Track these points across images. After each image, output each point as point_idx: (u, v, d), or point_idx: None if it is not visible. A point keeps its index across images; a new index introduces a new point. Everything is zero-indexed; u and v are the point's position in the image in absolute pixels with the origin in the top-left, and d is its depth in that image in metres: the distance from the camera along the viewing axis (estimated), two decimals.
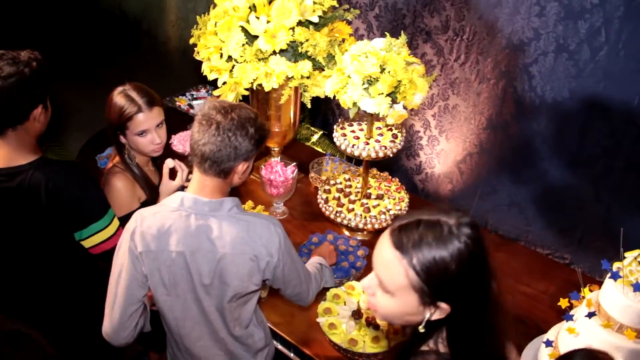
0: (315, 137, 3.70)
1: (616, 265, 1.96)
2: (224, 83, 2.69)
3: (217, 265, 1.90)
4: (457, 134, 3.15)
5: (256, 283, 1.97)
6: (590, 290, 2.12)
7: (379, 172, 3.07)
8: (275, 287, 2.13)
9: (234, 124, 1.83)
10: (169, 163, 2.49)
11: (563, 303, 2.12)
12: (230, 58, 2.63)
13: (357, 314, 2.41)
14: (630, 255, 1.93)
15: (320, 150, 3.60)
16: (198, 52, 2.71)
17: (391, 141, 2.68)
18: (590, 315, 2.00)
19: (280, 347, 2.51)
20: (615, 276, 1.94)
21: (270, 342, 2.29)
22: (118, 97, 2.35)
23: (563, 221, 2.92)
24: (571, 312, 2.09)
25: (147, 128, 2.38)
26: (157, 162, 2.64)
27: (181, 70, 3.89)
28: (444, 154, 3.26)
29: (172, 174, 2.52)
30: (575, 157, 2.75)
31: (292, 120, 3.02)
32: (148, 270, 1.91)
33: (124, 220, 2.15)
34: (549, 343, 2.15)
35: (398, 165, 3.47)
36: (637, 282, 1.90)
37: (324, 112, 3.86)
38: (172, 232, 1.87)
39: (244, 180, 2.08)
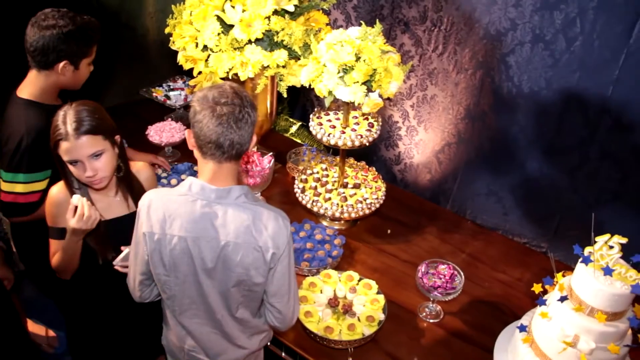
0: (294, 129, 3.70)
1: (587, 250, 1.98)
2: (200, 73, 2.67)
3: (221, 252, 1.88)
4: (435, 124, 3.16)
5: (262, 274, 1.92)
6: (564, 276, 2.14)
7: (356, 162, 3.07)
8: (274, 309, 2.05)
9: (249, 102, 1.82)
10: (74, 200, 2.06)
11: (537, 288, 2.13)
12: (205, 47, 2.61)
13: (333, 302, 2.41)
14: (600, 239, 1.94)
15: (299, 141, 3.60)
16: (174, 42, 2.69)
17: (367, 130, 2.68)
18: (563, 299, 2.01)
19: None
20: (586, 260, 1.96)
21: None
22: (57, 115, 2.05)
23: (540, 210, 2.95)
24: (544, 297, 2.11)
25: (74, 158, 2.04)
26: (133, 192, 2.29)
27: (159, 62, 3.86)
28: (422, 144, 3.26)
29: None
30: (552, 147, 2.77)
31: (268, 110, 3.01)
32: (149, 250, 1.91)
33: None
34: (522, 328, 2.16)
35: (377, 156, 3.47)
36: (608, 266, 1.92)
37: (302, 104, 3.86)
38: (177, 217, 1.86)
39: None
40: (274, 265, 1.91)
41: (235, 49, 2.59)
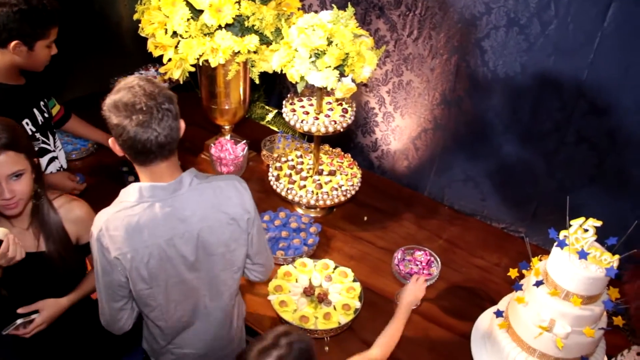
0: (270, 116, 3.65)
1: (563, 234, 1.96)
2: (170, 60, 2.61)
3: (198, 241, 1.84)
4: (411, 110, 3.14)
5: (243, 244, 1.93)
6: (540, 260, 2.13)
7: (331, 149, 3.04)
8: (258, 268, 2.07)
9: (165, 97, 1.70)
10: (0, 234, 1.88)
11: (513, 273, 2.12)
12: (175, 34, 2.56)
13: (308, 291, 2.38)
14: (575, 223, 1.93)
15: (275, 129, 3.55)
16: (142, 29, 2.63)
17: (341, 116, 2.64)
18: (538, 284, 2.00)
19: None
20: (561, 244, 1.95)
21: None
22: None
23: (517, 195, 2.94)
24: (520, 282, 2.10)
25: None
26: (46, 228, 2.06)
27: (134, 50, 3.79)
28: (399, 131, 3.24)
29: None
30: (528, 131, 2.76)
31: (241, 97, 2.96)
32: (128, 271, 1.81)
33: None
34: (499, 313, 2.15)
35: (354, 143, 3.44)
36: (583, 249, 1.91)
37: (279, 91, 3.81)
38: (141, 228, 1.77)
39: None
40: (251, 229, 1.92)
41: (205, 34, 2.54)
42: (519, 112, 2.75)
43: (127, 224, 1.76)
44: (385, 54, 3.09)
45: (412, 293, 2.22)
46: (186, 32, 2.52)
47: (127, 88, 1.67)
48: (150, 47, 2.64)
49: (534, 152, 2.78)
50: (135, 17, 2.67)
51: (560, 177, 2.75)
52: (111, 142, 1.75)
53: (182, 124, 1.81)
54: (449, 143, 3.07)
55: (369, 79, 3.16)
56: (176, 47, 2.57)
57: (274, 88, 3.81)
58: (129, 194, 1.79)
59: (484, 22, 2.66)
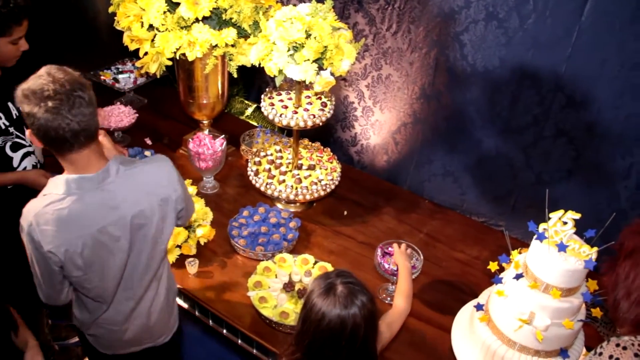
0: (249, 111, 3.62)
1: (542, 227, 1.97)
2: (146, 53, 2.57)
3: (131, 226, 1.85)
4: (391, 105, 3.13)
5: (172, 222, 1.98)
6: (520, 253, 2.14)
7: (310, 143, 3.01)
8: (182, 216, 2.07)
9: (75, 84, 1.68)
10: None
11: (492, 266, 2.12)
12: (151, 27, 2.51)
13: (288, 286, 2.36)
14: (554, 215, 1.94)
15: (255, 123, 3.52)
16: (118, 22, 2.58)
17: (320, 109, 2.62)
18: (518, 277, 2.01)
19: (212, 323, 2.45)
20: (540, 237, 1.95)
21: None
22: None
23: (497, 189, 2.95)
24: (500, 275, 2.10)
25: None
26: None
27: (111, 45, 3.73)
28: (378, 125, 3.23)
29: None
30: (507, 125, 2.77)
31: (220, 92, 2.92)
32: (62, 262, 1.80)
33: None
34: (479, 307, 2.15)
35: (334, 137, 3.43)
36: (562, 242, 1.91)
37: (258, 85, 3.77)
38: (73, 221, 1.76)
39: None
40: (183, 203, 1.97)
41: (182, 28, 2.51)
42: (498, 106, 2.75)
43: (57, 217, 1.75)
44: (364, 48, 3.07)
45: (402, 258, 2.31)
46: (162, 25, 2.48)
47: (36, 76, 1.68)
48: (126, 40, 2.60)
49: (513, 145, 2.79)
50: (111, 9, 2.62)
51: (539, 170, 2.77)
52: (28, 133, 1.74)
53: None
54: (428, 137, 3.07)
55: (348, 73, 3.16)
56: (153, 40, 2.53)
57: (253, 82, 3.77)
58: (57, 185, 1.78)
59: (463, 16, 2.66)
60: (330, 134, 3.43)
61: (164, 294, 2.11)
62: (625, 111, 2.43)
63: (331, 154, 2.96)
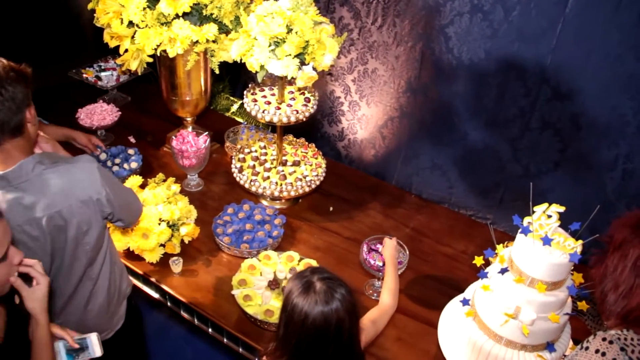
0: (234, 107, 3.59)
1: (527, 220, 1.95)
2: (126, 50, 2.54)
3: (48, 227, 1.82)
4: (377, 99, 3.11)
5: (99, 224, 1.94)
6: (506, 247, 2.12)
7: (295, 139, 2.98)
8: (119, 219, 2.05)
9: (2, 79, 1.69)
10: None
11: (478, 261, 2.10)
12: (131, 23, 2.48)
13: (273, 284, 2.34)
14: (539, 209, 1.92)
15: (240, 120, 3.49)
16: (97, 19, 2.55)
17: (304, 105, 2.59)
18: (503, 271, 1.99)
19: (197, 322, 2.43)
20: (525, 231, 1.93)
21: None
22: None
23: (484, 182, 2.94)
24: (486, 270, 2.08)
25: None
26: None
27: (94, 42, 3.70)
28: (365, 119, 3.21)
29: None
30: (494, 118, 2.76)
31: (202, 88, 2.89)
32: None
33: None
34: (465, 302, 2.14)
35: (321, 132, 3.40)
36: (547, 235, 1.90)
37: (243, 82, 3.75)
38: None
39: (36, 128, 1.97)
40: (110, 207, 1.93)
41: (162, 24, 2.47)
42: (484, 99, 2.74)
43: None
44: (349, 42, 3.05)
45: (390, 250, 2.31)
46: (142, 21, 2.45)
47: None
48: (106, 37, 2.56)
49: (500, 138, 2.78)
50: (90, 6, 2.59)
51: (526, 163, 2.76)
52: None
53: (31, 111, 1.81)
54: (415, 131, 3.06)
55: (334, 68, 3.14)
56: (133, 37, 2.50)
57: (238, 79, 3.74)
58: None
59: (447, 8, 2.65)
60: (317, 129, 3.41)
61: (103, 294, 2.10)
62: (610, 102, 2.43)
63: (316, 149, 2.94)
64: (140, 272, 2.49)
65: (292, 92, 2.67)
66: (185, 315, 2.47)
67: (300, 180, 2.70)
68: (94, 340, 1.92)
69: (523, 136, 2.70)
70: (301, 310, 1.62)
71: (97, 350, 1.91)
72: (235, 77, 3.71)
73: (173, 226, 2.50)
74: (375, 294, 2.42)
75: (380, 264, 2.34)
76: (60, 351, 1.86)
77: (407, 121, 3.06)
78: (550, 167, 2.70)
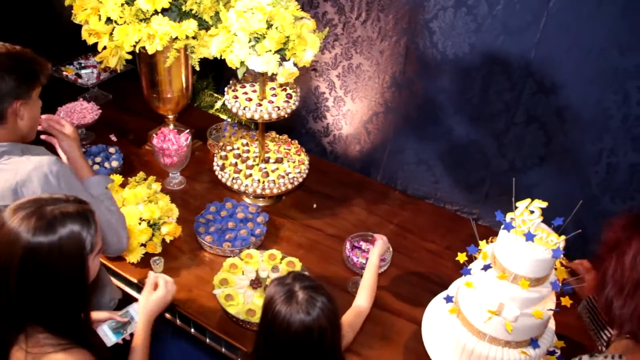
0: (218, 104, 3.55)
1: (509, 216, 1.94)
2: (105, 47, 2.50)
3: None
4: (362, 94, 3.09)
5: None
6: (491, 242, 2.10)
7: (278, 135, 2.96)
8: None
9: None
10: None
11: (461, 257, 2.08)
12: (109, 20, 2.44)
13: (255, 283, 2.31)
14: (521, 204, 1.91)
15: (224, 117, 3.45)
16: (75, 15, 2.50)
17: (285, 101, 2.56)
18: (486, 267, 1.98)
19: (179, 322, 2.40)
20: (508, 227, 1.92)
21: None
22: None
23: (470, 176, 2.93)
24: (469, 266, 2.07)
25: None
26: None
27: (75, 39, 3.65)
28: (350, 115, 3.19)
29: None
30: (478, 112, 2.74)
31: (184, 85, 2.85)
32: None
33: None
34: (449, 299, 2.12)
35: (306, 129, 3.38)
36: (529, 231, 1.88)
37: (227, 78, 3.69)
38: None
39: (34, 124, 1.98)
40: None
41: (141, 20, 2.44)
42: (468, 93, 2.73)
43: None
44: (333, 37, 3.02)
45: (379, 250, 2.28)
46: (120, 18, 2.41)
47: None
48: (84, 34, 2.52)
49: (485, 132, 2.77)
50: (67, 2, 2.54)
51: (511, 157, 2.75)
52: None
53: (18, 103, 1.82)
54: (400, 126, 3.04)
55: (318, 63, 3.11)
56: (111, 34, 2.46)
57: (222, 75, 3.71)
58: None
59: (431, 3, 2.63)
60: (302, 125, 3.38)
61: None
62: (595, 96, 2.42)
63: (299, 146, 2.91)
64: (121, 272, 2.46)
65: (274, 89, 2.64)
66: (167, 315, 2.44)
67: (283, 177, 2.67)
68: (136, 309, 1.97)
69: (508, 130, 2.69)
70: (283, 320, 1.58)
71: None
72: (219, 74, 3.68)
73: (154, 225, 2.47)
74: None
75: (363, 261, 2.32)
76: (107, 333, 1.92)
77: (392, 116, 3.04)
78: (535, 161, 2.69)
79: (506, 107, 2.65)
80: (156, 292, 1.97)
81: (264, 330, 1.66)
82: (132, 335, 1.92)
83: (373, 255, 2.27)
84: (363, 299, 2.14)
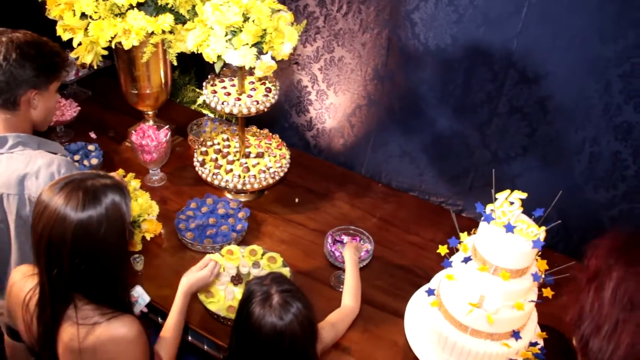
0: (201, 99, 3.52)
1: (489, 208, 1.92)
2: (80, 43, 2.46)
3: (2, 205, 1.84)
4: (345, 87, 3.06)
5: (16, 224, 1.90)
6: (471, 235, 2.09)
7: (258, 130, 2.93)
8: None
9: (5, 47, 1.73)
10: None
11: (442, 250, 2.06)
12: (84, 15, 2.40)
13: (236, 279, 2.29)
14: (501, 196, 1.89)
15: (207, 112, 3.42)
16: (49, 11, 2.46)
17: (264, 95, 2.53)
18: (467, 260, 1.96)
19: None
20: (488, 219, 1.91)
21: None
22: None
23: (454, 168, 2.92)
24: (451, 259, 2.05)
25: None
26: None
27: (52, 35, 3.61)
28: (333, 108, 3.16)
29: None
30: (461, 103, 2.72)
31: (163, 81, 2.82)
32: None
33: None
34: (430, 292, 2.11)
35: (289, 123, 3.35)
36: (509, 223, 1.87)
37: (210, 74, 3.68)
38: None
39: (48, 116, 2.03)
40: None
41: (116, 15, 2.40)
42: (451, 85, 2.70)
43: None
44: (315, 30, 3.00)
45: (350, 251, 2.29)
46: (95, 13, 2.37)
47: None
48: (59, 30, 2.47)
49: (468, 124, 2.75)
50: None
51: (495, 148, 2.74)
52: None
53: (32, 93, 1.86)
54: (383, 118, 3.02)
55: (300, 57, 3.08)
56: (86, 29, 2.42)
57: (205, 70, 3.67)
58: None
59: None
60: (285, 119, 3.36)
61: None
62: (577, 85, 2.41)
63: (280, 140, 2.88)
64: None
65: (253, 83, 2.61)
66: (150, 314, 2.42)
67: (264, 172, 2.64)
68: (139, 291, 2.10)
69: (491, 121, 2.67)
70: (255, 322, 1.58)
71: (147, 297, 2.11)
72: (201, 69, 3.64)
73: (134, 223, 2.44)
74: (341, 286, 2.37)
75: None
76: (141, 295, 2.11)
77: (375, 109, 3.02)
78: (518, 151, 2.68)
79: (489, 97, 2.63)
80: (201, 271, 2.10)
81: (237, 328, 1.65)
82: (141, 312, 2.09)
83: (347, 258, 2.27)
84: (348, 300, 2.17)
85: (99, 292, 1.60)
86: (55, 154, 1.96)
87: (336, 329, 2.04)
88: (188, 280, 2.07)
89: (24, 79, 1.84)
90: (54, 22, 2.47)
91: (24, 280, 1.67)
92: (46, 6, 2.48)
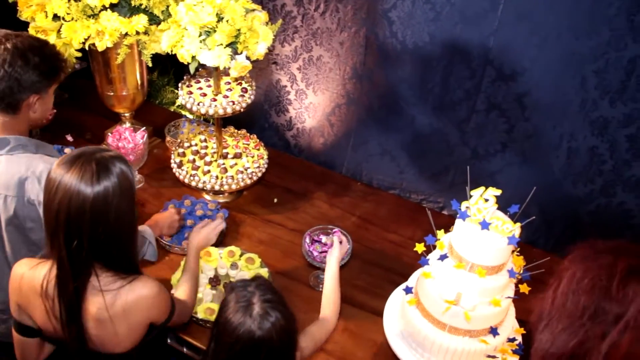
0: (180, 100, 3.49)
1: (464, 205, 1.93)
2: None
3: (3, 207, 1.85)
4: (323, 86, 3.06)
5: (41, 227, 1.87)
6: (449, 231, 2.09)
7: (236, 130, 2.91)
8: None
9: (10, 54, 1.75)
10: None
11: (419, 248, 2.06)
12: (57, 17, 2.38)
13: (214, 281, 2.28)
14: (475, 192, 1.90)
15: (186, 114, 3.40)
16: (20, 12, 2.43)
17: (240, 95, 2.52)
18: (443, 257, 1.96)
19: None
20: (463, 216, 1.91)
21: None
22: None
23: (434, 166, 2.92)
24: (428, 257, 2.05)
25: None
26: None
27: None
28: (312, 108, 3.15)
29: None
30: (440, 101, 2.73)
31: (139, 82, 2.80)
32: None
33: None
34: (408, 290, 2.11)
35: (269, 123, 3.34)
36: (485, 220, 1.87)
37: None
38: None
39: (46, 118, 2.12)
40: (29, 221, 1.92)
41: (89, 16, 2.38)
42: (429, 82, 2.70)
43: None
44: (293, 29, 2.98)
45: (335, 257, 2.26)
46: (68, 14, 2.35)
47: None
48: (31, 32, 2.44)
49: (447, 121, 2.75)
50: None
51: (474, 145, 2.74)
52: None
53: (35, 98, 1.89)
54: (363, 117, 3.01)
55: (279, 56, 3.07)
56: (59, 31, 2.40)
57: (183, 71, 3.65)
58: None
59: None
60: (265, 119, 3.34)
61: None
62: (553, 82, 2.42)
63: (258, 140, 2.87)
64: None
65: (229, 83, 2.59)
66: None
67: (242, 172, 2.63)
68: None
69: (470, 118, 2.68)
70: (232, 330, 1.56)
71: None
72: (180, 70, 3.61)
73: None
74: (320, 286, 2.36)
75: (324, 255, 2.29)
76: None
77: (355, 108, 3.01)
78: (497, 148, 2.68)
79: (467, 95, 2.63)
80: (204, 228, 2.26)
81: (216, 332, 1.63)
82: None
83: (331, 262, 2.24)
84: (328, 311, 2.17)
85: (116, 258, 1.68)
86: (54, 157, 1.99)
87: (315, 341, 2.04)
88: (195, 238, 2.22)
89: (27, 85, 1.86)
90: (26, 24, 2.44)
91: (32, 270, 1.70)
92: (18, 7, 2.45)
